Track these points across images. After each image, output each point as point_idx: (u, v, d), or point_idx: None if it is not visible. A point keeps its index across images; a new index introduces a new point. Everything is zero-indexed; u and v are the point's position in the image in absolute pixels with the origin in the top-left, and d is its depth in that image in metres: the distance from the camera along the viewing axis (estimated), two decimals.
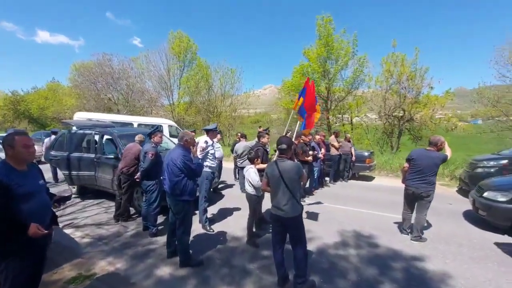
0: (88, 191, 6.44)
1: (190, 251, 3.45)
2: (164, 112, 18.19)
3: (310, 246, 3.85)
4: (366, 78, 16.16)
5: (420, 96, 15.45)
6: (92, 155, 6.00)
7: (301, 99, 4.88)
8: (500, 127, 14.64)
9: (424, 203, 4.03)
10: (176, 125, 12.14)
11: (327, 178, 8.39)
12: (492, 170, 6.39)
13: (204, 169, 4.35)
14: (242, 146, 7.00)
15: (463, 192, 7.19)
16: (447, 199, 6.70)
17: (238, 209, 5.58)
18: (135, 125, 9.28)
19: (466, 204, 6.06)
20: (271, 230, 4.37)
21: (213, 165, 4.78)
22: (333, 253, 3.71)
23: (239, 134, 8.11)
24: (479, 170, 6.63)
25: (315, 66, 15.43)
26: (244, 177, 7.32)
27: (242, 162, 6.98)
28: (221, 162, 7.07)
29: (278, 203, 2.77)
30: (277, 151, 2.99)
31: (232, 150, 7.91)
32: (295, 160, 3.08)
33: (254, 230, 4.16)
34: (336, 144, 8.42)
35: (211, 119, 18.20)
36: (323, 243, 4.01)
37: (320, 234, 4.30)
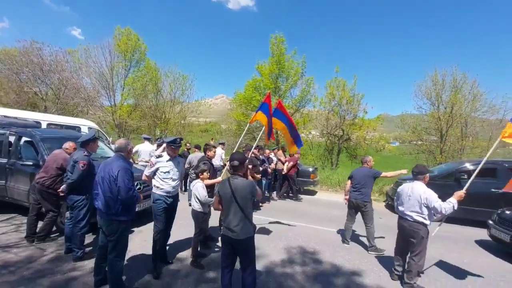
0: None
1: (124, 277, 3.02)
2: (103, 113, 16.25)
3: (258, 265, 3.76)
4: (312, 98, 17.41)
5: (356, 119, 17.33)
6: (4, 160, 4.95)
7: (263, 115, 4.93)
8: (416, 150, 17.35)
9: (366, 212, 4.66)
10: (98, 127, 10.44)
11: (273, 193, 8.54)
12: None
13: (156, 193, 3.47)
14: (198, 157, 6.70)
15: (389, 207, 8.11)
16: (378, 213, 7.42)
17: (182, 226, 5.18)
18: (44, 125, 7.76)
19: (393, 218, 6.84)
20: (217, 249, 4.24)
21: (168, 190, 3.49)
22: (280, 272, 3.68)
23: (188, 144, 7.78)
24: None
25: (267, 82, 15.98)
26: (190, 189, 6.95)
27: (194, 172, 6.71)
28: None
29: (229, 224, 2.63)
30: (230, 169, 2.85)
31: None
32: (249, 177, 2.97)
33: (199, 249, 3.89)
34: (283, 158, 8.70)
35: (158, 125, 17.03)
36: (270, 261, 3.96)
37: (267, 251, 4.26)
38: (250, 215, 2.69)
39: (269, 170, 7.45)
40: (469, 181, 3.90)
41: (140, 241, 4.25)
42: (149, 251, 3.93)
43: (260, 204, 7.12)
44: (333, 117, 17.62)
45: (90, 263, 3.37)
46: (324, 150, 17.77)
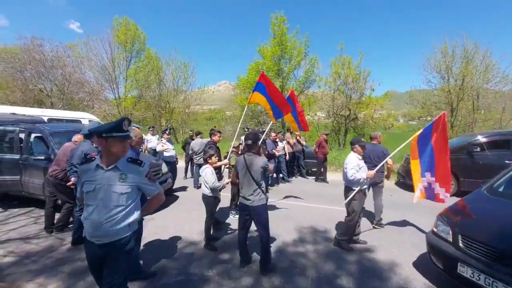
0: (12, 199, 5.44)
1: (141, 262, 3.13)
2: (108, 106, 16.36)
3: (271, 245, 3.85)
4: (317, 79, 17.05)
5: (363, 97, 16.94)
6: (17, 156, 5.07)
7: (260, 95, 4.84)
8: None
9: (377, 189, 4.68)
10: (99, 120, 10.57)
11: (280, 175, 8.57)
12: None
13: None
14: (198, 143, 6.83)
15: (400, 184, 8.06)
16: (388, 191, 7.38)
17: (193, 211, 5.30)
18: (45, 120, 7.81)
19: (404, 195, 6.82)
20: (229, 231, 4.34)
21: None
22: (292, 251, 3.74)
23: (190, 132, 7.94)
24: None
25: (270, 64, 15.68)
26: (199, 174, 7.13)
27: (199, 159, 6.86)
28: (174, 162, 6.65)
29: (245, 194, 3.10)
30: (245, 146, 3.27)
31: (183, 148, 7.78)
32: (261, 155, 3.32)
33: (211, 233, 3.98)
34: (291, 141, 8.67)
35: (163, 115, 17.07)
36: (282, 241, 4.03)
37: (279, 232, 4.32)
38: (263, 186, 3.10)
39: (276, 153, 7.43)
40: (391, 154, 4.27)
41: (153, 227, 4.37)
42: (162, 236, 4.09)
43: (269, 187, 7.17)
44: (339, 96, 17.28)
45: None
46: (331, 131, 17.60)
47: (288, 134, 8.92)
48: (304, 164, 9.14)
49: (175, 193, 6.66)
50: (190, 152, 7.15)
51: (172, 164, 6.49)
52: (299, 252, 3.73)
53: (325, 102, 17.82)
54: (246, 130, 8.77)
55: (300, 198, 6.48)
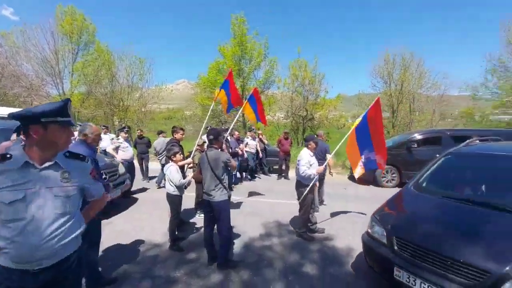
0: None
1: (100, 269, 2.91)
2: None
3: (238, 242, 3.90)
4: (276, 79, 17.58)
5: (319, 99, 18.01)
6: None
7: (222, 91, 4.91)
8: None
9: (321, 180, 5.44)
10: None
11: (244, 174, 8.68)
12: (384, 166, 8.02)
13: None
14: (160, 142, 6.61)
15: (352, 178, 8.78)
16: (342, 185, 8.05)
17: (154, 213, 5.08)
18: None
19: (357, 188, 7.46)
20: (195, 231, 4.27)
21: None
22: (259, 245, 3.85)
23: (139, 131, 7.62)
24: None
25: (231, 64, 15.66)
26: (164, 173, 6.86)
27: (161, 158, 6.67)
28: (132, 163, 6.26)
29: (208, 189, 3.13)
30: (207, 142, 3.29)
31: (134, 147, 7.40)
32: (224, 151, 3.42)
33: (176, 233, 3.87)
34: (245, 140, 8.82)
35: (116, 113, 15.78)
36: (249, 237, 4.10)
37: (245, 228, 4.39)
38: (225, 182, 3.14)
39: (239, 152, 7.50)
40: (334, 150, 4.76)
41: (111, 232, 4.07)
42: (122, 241, 3.85)
43: (233, 186, 7.20)
44: (297, 97, 18.09)
45: None
46: (290, 130, 18.30)
47: (249, 133, 9.05)
48: (266, 162, 9.37)
49: (134, 195, 6.27)
50: (154, 151, 6.92)
51: (130, 164, 6.10)
52: (266, 245, 3.85)
53: (284, 103, 18.49)
54: (208, 128, 8.69)
55: (263, 194, 6.64)
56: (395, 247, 2.43)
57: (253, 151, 8.32)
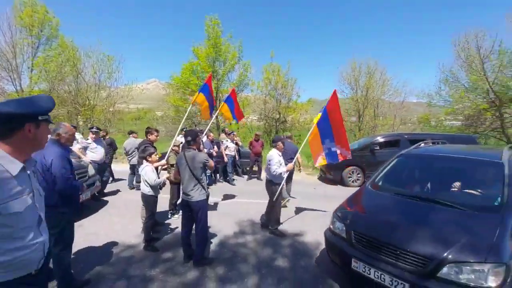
0: None
1: (72, 272, 2.87)
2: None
3: (213, 240, 4.02)
4: (250, 83, 17.85)
5: (291, 102, 18.62)
6: None
7: (202, 95, 5.00)
8: None
9: (290, 177, 5.95)
10: None
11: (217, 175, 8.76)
12: (349, 157, 8.56)
13: None
14: (130, 143, 6.47)
15: (322, 178, 9.28)
16: (312, 185, 8.48)
17: (126, 215, 5.01)
18: None
19: (325, 187, 7.91)
20: (169, 231, 4.31)
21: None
22: (234, 243, 4.00)
23: (101, 131, 7.41)
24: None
25: (205, 65, 15.62)
26: (133, 174, 6.74)
27: (131, 159, 6.54)
28: (103, 164, 6.06)
29: (186, 189, 3.20)
30: (185, 143, 3.38)
31: None
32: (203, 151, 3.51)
33: (151, 234, 3.89)
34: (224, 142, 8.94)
35: (81, 112, 14.85)
36: (224, 235, 4.24)
37: (219, 227, 4.51)
38: (203, 182, 3.24)
39: (214, 153, 7.58)
40: (300, 147, 5.43)
41: (82, 235, 3.96)
42: (94, 243, 3.79)
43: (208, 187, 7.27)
44: (270, 100, 18.52)
45: None
46: (263, 132, 18.66)
47: (223, 135, 9.16)
48: (240, 163, 9.53)
49: (105, 198, 6.08)
50: (124, 152, 6.79)
51: (101, 166, 5.90)
52: (240, 243, 4.02)
53: (258, 105, 18.82)
54: (183, 130, 8.65)
55: (237, 195, 6.79)
56: (353, 241, 2.67)
57: (233, 153, 8.46)
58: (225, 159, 8.11)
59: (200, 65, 15.84)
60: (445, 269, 2.10)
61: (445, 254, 2.14)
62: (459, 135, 10.41)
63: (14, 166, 1.26)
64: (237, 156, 8.75)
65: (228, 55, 16.57)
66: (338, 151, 4.70)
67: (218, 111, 6.15)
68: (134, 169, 6.86)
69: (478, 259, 2.06)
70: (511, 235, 2.27)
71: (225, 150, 8.20)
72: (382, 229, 2.62)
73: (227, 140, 8.51)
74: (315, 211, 5.61)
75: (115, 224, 4.58)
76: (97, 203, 5.62)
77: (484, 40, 15.81)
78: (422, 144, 4.56)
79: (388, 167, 3.80)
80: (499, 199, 2.65)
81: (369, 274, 2.43)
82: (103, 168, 5.97)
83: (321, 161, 4.83)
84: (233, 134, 8.96)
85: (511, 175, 2.81)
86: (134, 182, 7.03)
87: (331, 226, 3.09)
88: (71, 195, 2.67)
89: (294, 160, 5.02)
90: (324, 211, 5.56)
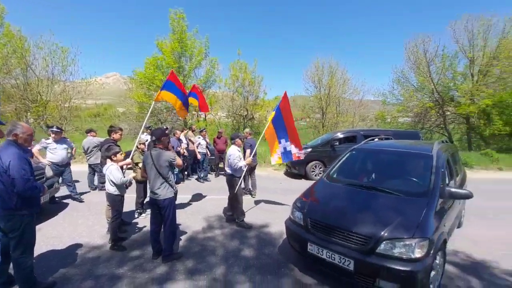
0: None
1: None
2: None
3: (182, 236, 4.14)
4: (217, 79, 17.79)
5: (258, 99, 18.99)
6: None
7: (168, 93, 5.00)
8: (306, 126, 20.76)
9: (253, 170, 6.43)
10: None
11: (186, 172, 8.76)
12: (302, 157, 9.05)
13: None
14: (88, 141, 6.21)
15: (288, 173, 9.74)
16: (279, 179, 8.89)
17: (90, 216, 4.88)
18: None
19: (291, 182, 8.35)
20: (137, 230, 4.32)
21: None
22: (202, 237, 4.16)
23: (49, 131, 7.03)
24: None
25: (170, 61, 15.21)
26: (93, 173, 6.50)
27: (89, 158, 6.45)
28: (64, 166, 5.73)
29: (153, 188, 3.26)
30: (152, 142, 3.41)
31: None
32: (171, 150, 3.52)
33: (118, 233, 3.88)
34: (193, 139, 8.93)
35: (31, 109, 13.51)
36: (192, 231, 4.38)
37: (188, 224, 4.64)
38: (170, 180, 3.30)
39: (182, 151, 7.57)
40: (255, 148, 5.67)
41: (43, 239, 3.82)
42: (57, 247, 3.69)
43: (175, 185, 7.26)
44: (237, 98, 18.69)
45: None
46: (231, 129, 18.79)
47: (190, 133, 9.13)
48: (208, 160, 9.58)
49: (65, 200, 5.79)
50: (82, 151, 6.50)
51: (62, 167, 5.58)
52: (208, 237, 4.19)
53: (226, 102, 18.88)
54: (148, 128, 8.45)
55: (205, 192, 6.90)
56: (309, 227, 3.01)
57: (205, 151, 8.48)
58: (198, 156, 8.14)
59: (165, 60, 15.38)
60: (382, 246, 2.50)
61: (382, 233, 2.54)
62: (406, 131, 11.62)
63: None
64: (208, 154, 8.79)
65: (195, 51, 16.32)
66: (293, 151, 5.12)
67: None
68: (93, 169, 6.61)
69: (408, 235, 2.49)
70: (435, 214, 2.78)
71: (197, 147, 8.22)
72: (332, 215, 3.00)
73: (199, 137, 8.53)
74: (280, 204, 5.96)
75: (78, 226, 4.46)
76: (56, 206, 5.37)
77: (430, 44, 17.65)
78: (376, 139, 5.15)
79: (341, 160, 4.26)
80: (427, 185, 3.16)
81: (322, 255, 2.78)
82: (63, 170, 5.63)
83: (278, 160, 5.23)
84: (205, 131, 9.01)
85: (437, 165, 3.36)
86: (96, 182, 6.77)
87: (291, 216, 3.41)
88: (32, 197, 2.61)
89: (252, 154, 5.31)
90: (288, 204, 5.94)
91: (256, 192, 6.62)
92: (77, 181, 7.31)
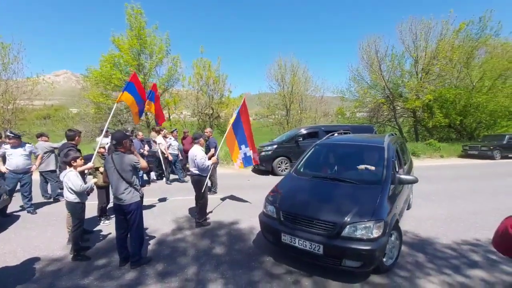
0: None
1: None
2: None
3: (151, 240, 4.04)
4: (181, 78, 17.35)
5: (223, 98, 18.92)
6: None
7: (129, 95, 4.80)
8: (271, 123, 21.24)
9: (215, 168, 6.54)
10: None
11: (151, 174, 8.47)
12: (269, 152, 9.33)
13: None
14: (41, 146, 5.72)
15: (255, 171, 9.93)
16: (246, 176, 9.04)
17: (47, 227, 4.52)
18: None
19: (258, 178, 8.55)
20: (101, 238, 4.12)
21: None
22: (172, 239, 4.11)
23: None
24: (263, 153, 9.44)
25: (128, 58, 14.44)
26: (45, 181, 6.00)
27: (42, 165, 5.86)
28: (24, 173, 5.19)
29: (116, 193, 3.14)
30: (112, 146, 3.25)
31: None
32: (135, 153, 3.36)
33: (80, 243, 3.66)
34: (158, 140, 8.65)
35: None
36: (161, 233, 4.29)
37: (157, 226, 4.53)
38: (135, 184, 3.20)
39: (145, 152, 7.30)
40: (218, 149, 5.99)
41: None
42: (11, 263, 3.40)
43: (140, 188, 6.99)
44: (202, 96, 18.43)
45: None
46: (197, 129, 18.47)
47: (153, 133, 8.82)
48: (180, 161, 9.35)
49: (17, 213, 5.26)
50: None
51: (20, 173, 5.06)
52: (178, 238, 4.15)
53: (190, 101, 18.49)
54: (107, 131, 7.95)
55: (172, 193, 6.78)
56: (282, 219, 3.20)
57: (177, 152, 8.24)
58: (170, 157, 7.93)
59: (123, 57, 14.55)
60: (346, 229, 2.79)
61: (346, 218, 2.83)
62: (362, 125, 12.56)
63: None
64: (179, 155, 8.57)
65: (155, 48, 15.69)
66: (252, 156, 5.47)
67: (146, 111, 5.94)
68: (44, 177, 6.08)
69: (366, 219, 2.81)
70: (388, 199, 3.13)
71: (168, 148, 7.98)
72: (301, 206, 3.23)
73: (170, 138, 8.29)
74: (248, 200, 6.09)
75: (33, 238, 4.10)
76: (6, 219, 4.85)
77: (381, 44, 19.17)
78: (336, 134, 5.54)
79: (307, 155, 4.52)
80: (380, 174, 3.53)
81: (295, 243, 2.99)
82: (20, 178, 5.11)
83: (240, 165, 5.50)
84: (176, 132, 8.80)
85: (388, 156, 3.76)
86: (49, 191, 6.25)
87: (264, 210, 3.56)
88: None
89: (217, 153, 5.51)
90: (256, 200, 6.11)
91: (217, 189, 6.81)
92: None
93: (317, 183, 3.72)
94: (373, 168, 3.73)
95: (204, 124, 18.62)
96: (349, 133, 6.66)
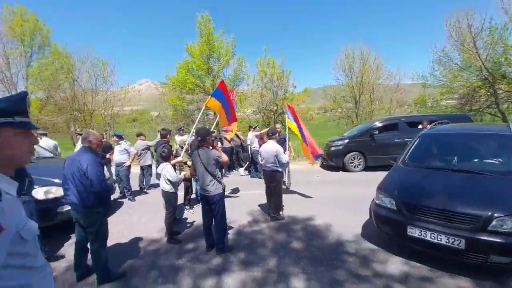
0: None
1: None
2: None
3: (230, 230, 4.28)
4: (245, 77, 17.93)
5: (287, 93, 18.75)
6: None
7: (215, 101, 5.21)
8: (338, 116, 20.07)
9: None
10: None
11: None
12: (340, 147, 8.82)
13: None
14: (141, 145, 6.79)
15: (324, 166, 9.55)
16: (316, 173, 8.76)
17: (144, 213, 5.26)
18: None
19: (327, 174, 8.19)
20: (188, 225, 4.56)
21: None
22: (250, 231, 4.27)
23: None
24: (333, 148, 8.99)
25: (200, 63, 15.67)
26: (149, 175, 6.98)
27: (140, 161, 6.95)
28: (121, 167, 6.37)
29: (202, 185, 3.42)
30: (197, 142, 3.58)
31: None
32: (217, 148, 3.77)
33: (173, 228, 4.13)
34: (228, 136, 9.14)
35: (81, 118, 14.92)
36: (239, 224, 4.51)
37: (234, 218, 4.78)
38: (218, 177, 3.45)
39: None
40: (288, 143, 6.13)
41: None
42: (121, 240, 4.03)
43: None
44: (266, 93, 18.64)
45: (62, 263, 3.35)
46: (262, 125, 18.86)
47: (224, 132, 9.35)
48: (243, 157, 9.76)
49: (121, 200, 6.34)
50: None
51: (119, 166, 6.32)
52: (255, 230, 4.29)
53: (255, 99, 18.95)
54: (180, 129, 8.60)
55: (239, 187, 7.08)
56: (404, 211, 3.06)
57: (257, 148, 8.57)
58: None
59: (195, 63, 15.88)
60: (493, 223, 2.54)
61: (492, 211, 2.57)
62: (454, 114, 10.67)
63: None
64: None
65: (222, 51, 16.61)
66: (313, 151, 5.68)
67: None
68: (144, 170, 7.08)
69: None
70: None
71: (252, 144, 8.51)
72: (430, 197, 3.03)
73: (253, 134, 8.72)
74: (321, 196, 5.88)
75: (134, 223, 4.83)
76: (115, 204, 5.91)
77: (474, 18, 15.95)
78: (430, 125, 4.96)
79: (413, 147, 4.17)
80: None
81: (426, 237, 2.83)
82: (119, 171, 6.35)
83: (313, 161, 5.88)
84: (258, 128, 9.26)
85: None
86: (144, 183, 7.26)
87: (377, 201, 3.46)
88: (105, 196, 2.90)
89: (288, 148, 5.73)
90: (327, 196, 5.86)
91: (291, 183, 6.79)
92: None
93: (437, 174, 3.43)
94: None
95: (269, 121, 18.88)
96: (447, 123, 5.68)
